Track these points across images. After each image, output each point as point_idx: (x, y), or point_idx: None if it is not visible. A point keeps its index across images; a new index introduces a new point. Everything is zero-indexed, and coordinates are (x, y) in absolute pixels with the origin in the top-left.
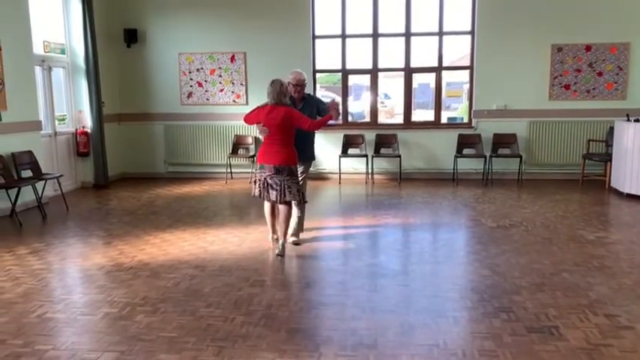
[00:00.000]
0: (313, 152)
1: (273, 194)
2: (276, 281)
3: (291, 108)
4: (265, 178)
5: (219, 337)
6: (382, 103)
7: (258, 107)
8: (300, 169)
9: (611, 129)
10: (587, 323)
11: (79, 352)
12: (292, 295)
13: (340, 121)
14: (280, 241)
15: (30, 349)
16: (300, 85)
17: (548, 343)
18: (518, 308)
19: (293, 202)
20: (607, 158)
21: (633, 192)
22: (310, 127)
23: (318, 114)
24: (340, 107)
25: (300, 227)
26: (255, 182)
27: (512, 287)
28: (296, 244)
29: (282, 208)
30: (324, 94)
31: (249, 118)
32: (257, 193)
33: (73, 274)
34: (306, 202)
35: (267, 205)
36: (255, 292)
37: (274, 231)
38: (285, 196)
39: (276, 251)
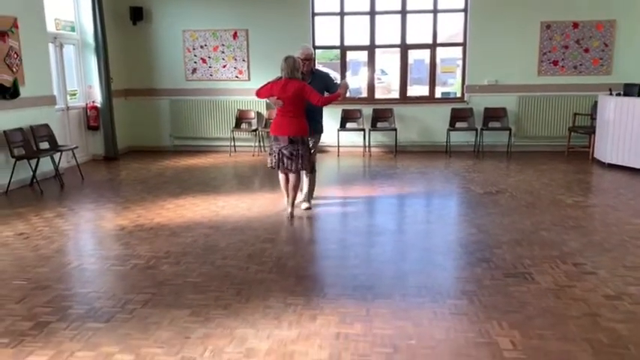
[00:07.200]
0: (322, 126)
1: (287, 164)
2: (285, 238)
3: (304, 83)
4: (280, 149)
5: (237, 281)
6: (379, 79)
7: (269, 82)
8: (310, 142)
9: (596, 103)
10: (556, 270)
11: (116, 294)
12: (299, 249)
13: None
14: (289, 209)
15: (73, 292)
16: (308, 59)
17: (521, 285)
18: (498, 259)
19: (304, 171)
20: (591, 130)
21: (614, 162)
22: (319, 102)
23: (327, 90)
24: (349, 90)
25: (310, 194)
26: (270, 154)
27: (495, 242)
28: (307, 209)
29: (292, 176)
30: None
31: (261, 93)
32: (273, 164)
33: (99, 233)
34: (314, 171)
35: (282, 175)
36: (266, 246)
37: (289, 196)
38: (298, 165)
39: (286, 214)
